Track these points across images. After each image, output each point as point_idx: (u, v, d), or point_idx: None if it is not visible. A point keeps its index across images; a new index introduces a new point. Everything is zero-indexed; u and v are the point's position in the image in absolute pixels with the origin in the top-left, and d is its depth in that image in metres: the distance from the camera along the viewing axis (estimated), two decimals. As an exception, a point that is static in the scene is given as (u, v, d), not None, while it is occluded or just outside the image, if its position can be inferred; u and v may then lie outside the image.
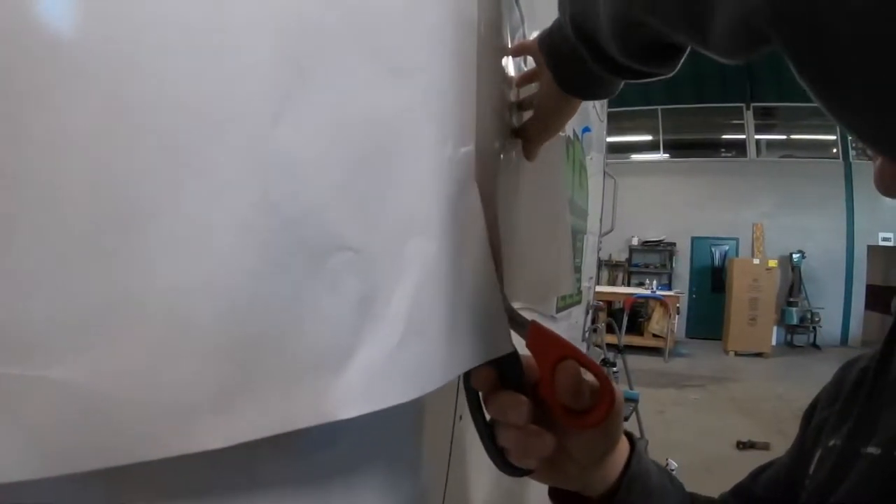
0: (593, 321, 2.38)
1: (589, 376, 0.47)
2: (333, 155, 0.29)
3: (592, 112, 1.77)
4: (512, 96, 0.81)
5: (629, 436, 0.54)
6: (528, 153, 0.74)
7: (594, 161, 1.80)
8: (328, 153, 0.29)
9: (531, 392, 0.46)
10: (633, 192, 10.12)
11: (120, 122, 0.20)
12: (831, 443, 0.49)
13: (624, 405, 0.49)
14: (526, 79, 0.79)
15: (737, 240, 9.82)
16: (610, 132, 9.88)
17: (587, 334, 2.11)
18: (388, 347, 0.33)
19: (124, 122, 0.20)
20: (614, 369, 3.56)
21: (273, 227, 0.26)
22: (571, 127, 1.32)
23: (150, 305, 0.21)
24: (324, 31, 0.29)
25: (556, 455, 0.47)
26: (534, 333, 0.47)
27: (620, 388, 0.50)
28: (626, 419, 3.70)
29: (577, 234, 1.39)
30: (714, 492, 0.62)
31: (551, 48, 0.55)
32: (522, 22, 0.86)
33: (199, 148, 0.22)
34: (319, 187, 0.28)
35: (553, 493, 0.54)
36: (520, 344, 0.48)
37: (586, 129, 1.52)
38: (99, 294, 0.20)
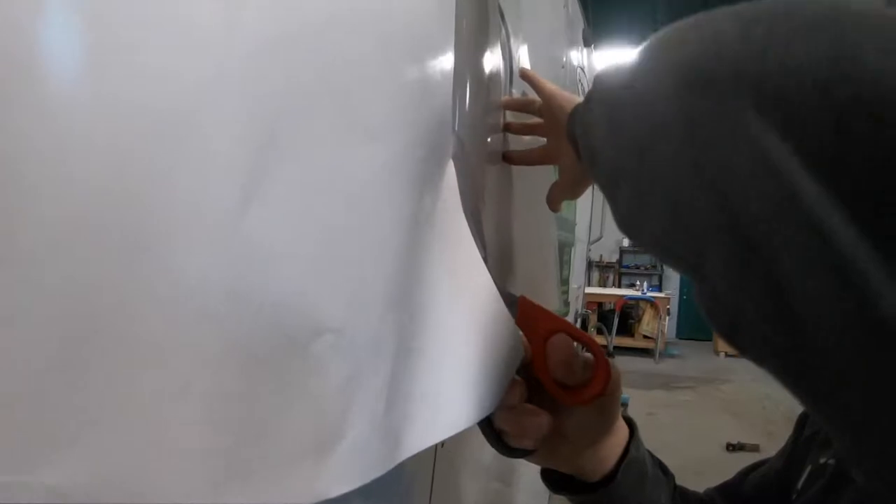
0: (583, 327, 2.38)
1: (586, 353, 0.46)
2: (306, 233, 0.28)
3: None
4: (500, 117, 0.82)
5: (629, 421, 0.53)
6: (554, 207, 0.78)
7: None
8: (301, 232, 0.28)
9: (525, 371, 0.45)
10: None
11: (83, 219, 0.20)
12: (822, 460, 0.48)
13: (621, 381, 0.49)
14: (517, 106, 0.80)
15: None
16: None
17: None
18: (376, 419, 0.32)
19: (87, 221, 0.20)
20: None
21: (248, 319, 0.25)
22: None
23: (133, 409, 0.21)
24: (296, 93, 0.28)
25: (551, 436, 0.46)
26: (523, 309, 0.46)
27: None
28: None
29: (565, 247, 1.39)
30: (703, 495, 0.61)
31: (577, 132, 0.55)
32: (508, 38, 0.86)
33: (162, 246, 0.22)
34: (293, 271, 0.28)
35: (546, 475, 0.54)
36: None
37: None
38: (84, 398, 0.20)
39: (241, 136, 0.25)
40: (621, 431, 0.52)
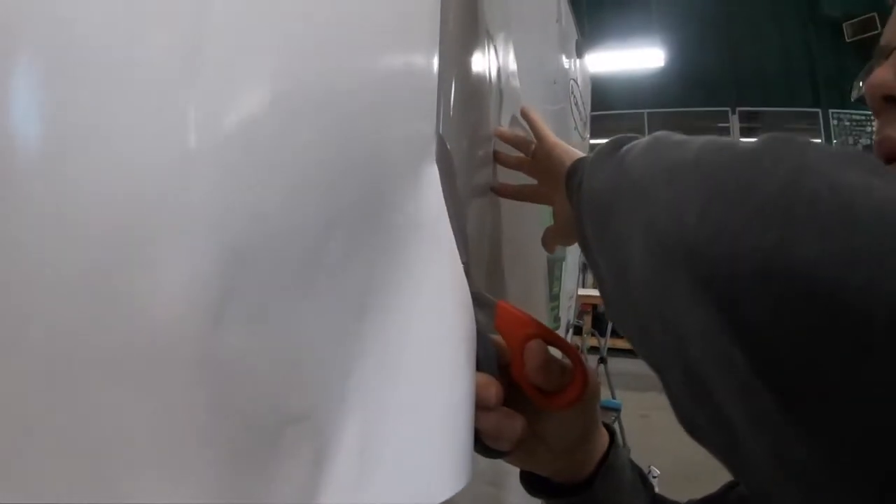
0: (576, 334, 2.38)
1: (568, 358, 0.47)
2: (274, 342, 0.29)
3: (574, 133, 1.78)
4: (490, 147, 0.83)
5: (609, 429, 0.55)
6: (548, 249, 0.81)
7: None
8: (268, 343, 0.29)
9: (503, 374, 0.46)
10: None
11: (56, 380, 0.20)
12: None
13: (600, 387, 0.50)
14: (512, 141, 0.81)
15: (722, 242, 9.85)
16: (597, 134, 9.88)
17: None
18: (348, 489, 0.33)
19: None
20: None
21: (223, 427, 0.26)
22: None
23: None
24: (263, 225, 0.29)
25: (529, 438, 0.48)
26: (501, 314, 0.47)
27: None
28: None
29: (556, 262, 1.39)
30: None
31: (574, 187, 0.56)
32: (497, 58, 0.86)
33: (140, 368, 0.22)
34: (262, 372, 0.28)
35: (524, 477, 0.55)
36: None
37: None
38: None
39: (213, 257, 0.26)
40: (601, 438, 0.53)
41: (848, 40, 9.30)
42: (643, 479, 0.57)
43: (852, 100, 0.55)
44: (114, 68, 0.23)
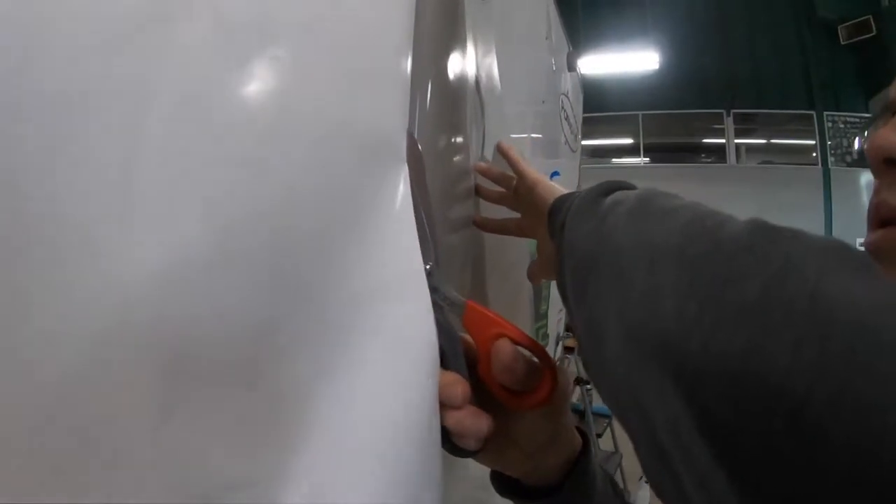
0: (566, 351, 2.38)
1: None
2: (222, 420, 0.30)
3: (563, 148, 1.77)
4: (471, 181, 0.82)
5: (582, 433, 0.54)
6: (534, 282, 0.81)
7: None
8: (218, 423, 0.30)
9: (471, 373, 0.45)
10: (613, 196, 10.13)
11: None
12: None
13: (570, 389, 0.50)
14: (492, 177, 0.80)
15: (716, 245, 9.88)
16: (594, 136, 9.79)
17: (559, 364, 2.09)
18: None
19: None
20: (588, 387, 3.56)
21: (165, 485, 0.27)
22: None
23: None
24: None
25: (500, 438, 0.47)
26: (470, 313, 0.46)
27: (570, 377, 0.50)
28: (600, 436, 3.72)
29: (544, 281, 1.39)
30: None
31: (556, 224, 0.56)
32: (479, 89, 0.86)
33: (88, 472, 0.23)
34: (214, 448, 0.30)
35: (495, 477, 0.55)
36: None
37: (555, 174, 1.52)
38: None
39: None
40: (573, 441, 0.53)
41: (843, 43, 9.33)
42: (614, 486, 0.57)
43: (855, 155, 0.55)
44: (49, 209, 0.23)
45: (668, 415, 0.30)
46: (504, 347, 0.45)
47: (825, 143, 9.52)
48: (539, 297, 1.35)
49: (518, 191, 0.76)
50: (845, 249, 0.30)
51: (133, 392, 0.26)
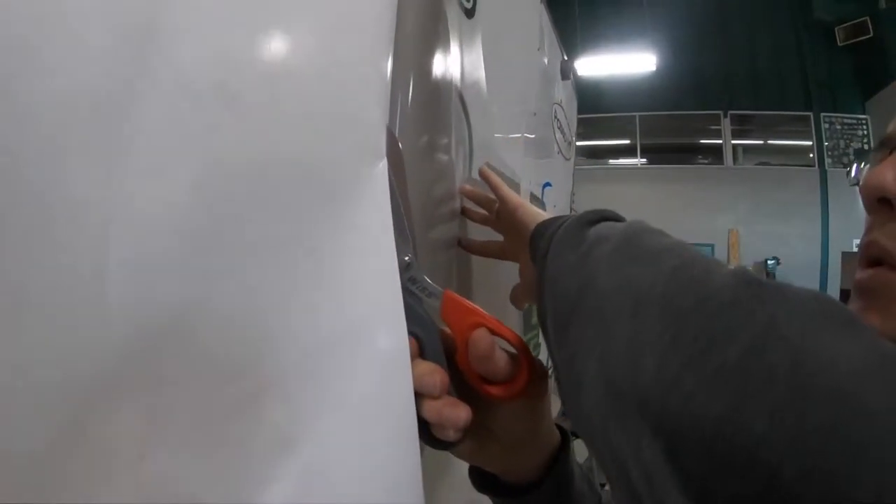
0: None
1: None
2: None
3: (556, 158, 1.77)
4: (456, 203, 0.82)
5: (562, 430, 0.54)
6: (518, 307, 0.81)
7: (558, 208, 1.80)
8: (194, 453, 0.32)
9: (450, 364, 0.45)
10: (608, 198, 10.15)
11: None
12: None
13: (548, 381, 0.49)
14: (475, 199, 0.80)
15: (712, 246, 9.87)
16: (591, 136, 9.77)
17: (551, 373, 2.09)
18: None
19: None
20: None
21: None
22: (529, 191, 1.32)
23: None
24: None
25: (478, 431, 0.48)
26: (447, 303, 0.46)
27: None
28: (577, 436, 3.71)
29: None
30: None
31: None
32: (466, 113, 0.85)
33: None
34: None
35: (473, 472, 0.55)
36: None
37: (547, 185, 1.52)
38: None
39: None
40: (552, 437, 0.53)
41: (840, 44, 9.34)
42: (591, 483, 0.57)
43: (849, 184, 0.55)
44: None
45: (644, 467, 0.30)
46: (481, 336, 0.44)
47: (822, 145, 9.53)
48: (531, 308, 1.34)
49: (500, 215, 0.76)
50: (830, 305, 0.30)
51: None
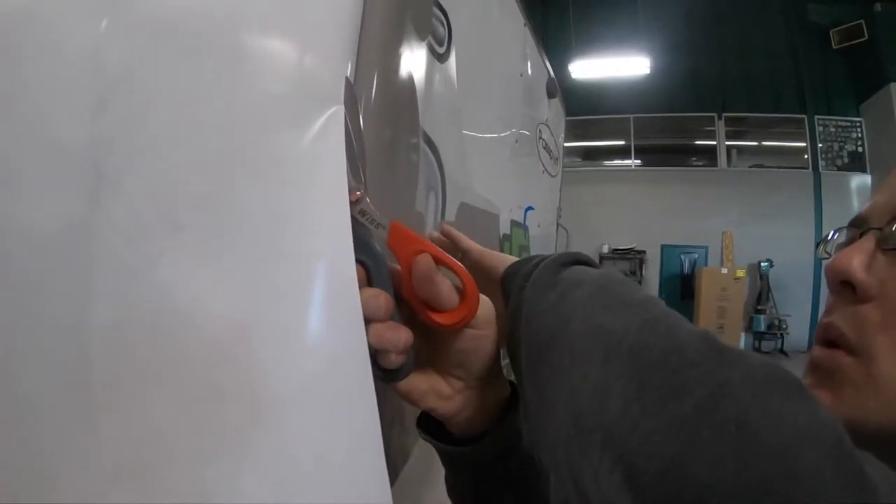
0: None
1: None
2: None
3: (542, 177, 1.76)
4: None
5: (515, 392, 0.55)
6: None
7: (542, 226, 1.81)
8: None
9: (395, 292, 0.46)
10: (603, 200, 10.18)
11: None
12: None
13: (494, 316, 0.50)
14: (444, 245, 0.79)
15: (706, 248, 9.91)
16: (586, 137, 9.74)
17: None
18: None
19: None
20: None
21: None
22: (509, 220, 1.32)
23: None
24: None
25: (427, 369, 0.50)
26: (394, 232, 0.47)
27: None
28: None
29: None
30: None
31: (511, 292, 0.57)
32: (439, 162, 0.85)
33: None
34: None
35: (420, 420, 0.56)
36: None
37: (529, 208, 1.52)
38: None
39: None
40: (502, 391, 0.54)
41: (835, 47, 9.35)
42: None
43: (818, 256, 0.55)
44: None
45: (604, 495, 0.32)
46: (423, 259, 0.46)
47: (816, 147, 9.55)
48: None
49: (464, 262, 0.76)
50: (782, 373, 0.33)
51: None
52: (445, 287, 0.46)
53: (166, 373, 0.36)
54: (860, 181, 9.47)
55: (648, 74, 8.63)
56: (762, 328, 9.44)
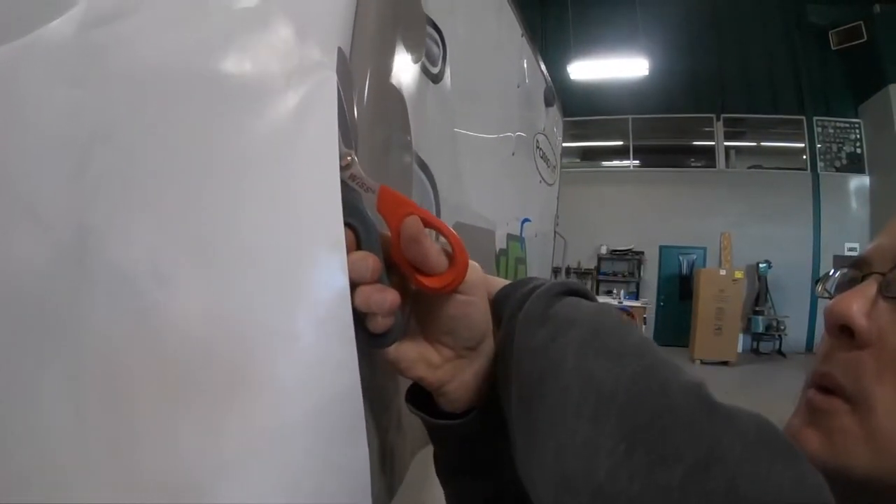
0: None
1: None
2: None
3: (538, 187, 1.76)
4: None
5: None
6: None
7: (539, 236, 1.80)
8: None
9: (385, 257, 0.46)
10: (602, 201, 10.19)
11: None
12: None
13: (486, 284, 0.50)
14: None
15: (704, 249, 9.93)
16: (585, 138, 9.78)
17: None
18: None
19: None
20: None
21: None
22: (505, 234, 1.31)
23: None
24: None
25: (416, 337, 0.49)
26: (383, 196, 0.47)
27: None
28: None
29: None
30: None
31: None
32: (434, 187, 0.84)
33: None
34: None
35: (409, 393, 0.55)
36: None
37: (526, 220, 1.51)
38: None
39: None
40: (490, 365, 0.52)
41: (834, 48, 9.36)
42: None
43: (817, 294, 0.55)
44: None
45: None
46: (411, 221, 0.45)
47: (815, 148, 9.56)
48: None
49: None
50: (771, 434, 0.33)
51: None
52: (434, 250, 0.45)
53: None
54: (859, 182, 9.50)
55: (647, 75, 8.63)
56: (760, 329, 9.47)
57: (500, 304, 0.54)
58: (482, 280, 0.50)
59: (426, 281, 0.46)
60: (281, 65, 0.44)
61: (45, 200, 0.33)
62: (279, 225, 0.42)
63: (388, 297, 0.44)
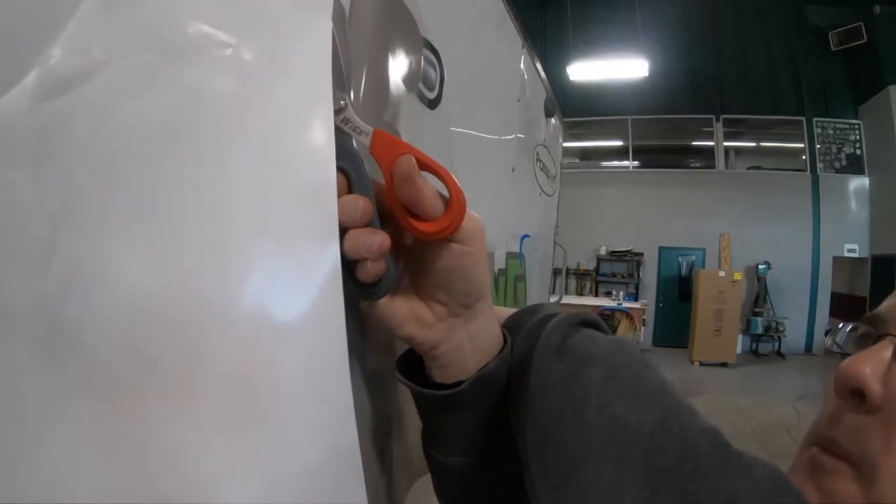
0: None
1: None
2: None
3: (538, 200, 1.73)
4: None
5: (507, 338, 0.52)
6: None
7: (539, 249, 1.78)
8: None
9: (378, 202, 0.45)
10: (601, 201, 10.18)
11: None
12: None
13: (482, 233, 0.47)
14: None
15: (704, 250, 9.92)
16: (584, 138, 9.81)
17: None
18: None
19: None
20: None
21: None
22: (504, 253, 1.29)
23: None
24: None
25: (410, 294, 0.47)
26: (377, 138, 0.45)
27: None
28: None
29: (519, 284, 1.37)
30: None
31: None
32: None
33: None
34: None
35: (399, 361, 0.53)
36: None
37: (525, 237, 1.49)
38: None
39: None
40: (486, 331, 0.50)
41: (834, 49, 9.34)
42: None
43: (826, 346, 0.53)
44: None
45: None
46: (405, 159, 0.43)
47: (814, 149, 9.55)
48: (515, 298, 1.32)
49: None
50: (783, 486, 0.35)
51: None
52: (429, 190, 0.43)
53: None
54: (858, 183, 9.49)
55: (647, 76, 8.61)
56: (759, 330, 9.47)
57: (510, 330, 0.52)
58: (481, 231, 0.47)
59: (421, 226, 0.44)
60: (274, 7, 0.43)
61: (15, 291, 0.32)
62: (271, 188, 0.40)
63: (377, 239, 0.42)
